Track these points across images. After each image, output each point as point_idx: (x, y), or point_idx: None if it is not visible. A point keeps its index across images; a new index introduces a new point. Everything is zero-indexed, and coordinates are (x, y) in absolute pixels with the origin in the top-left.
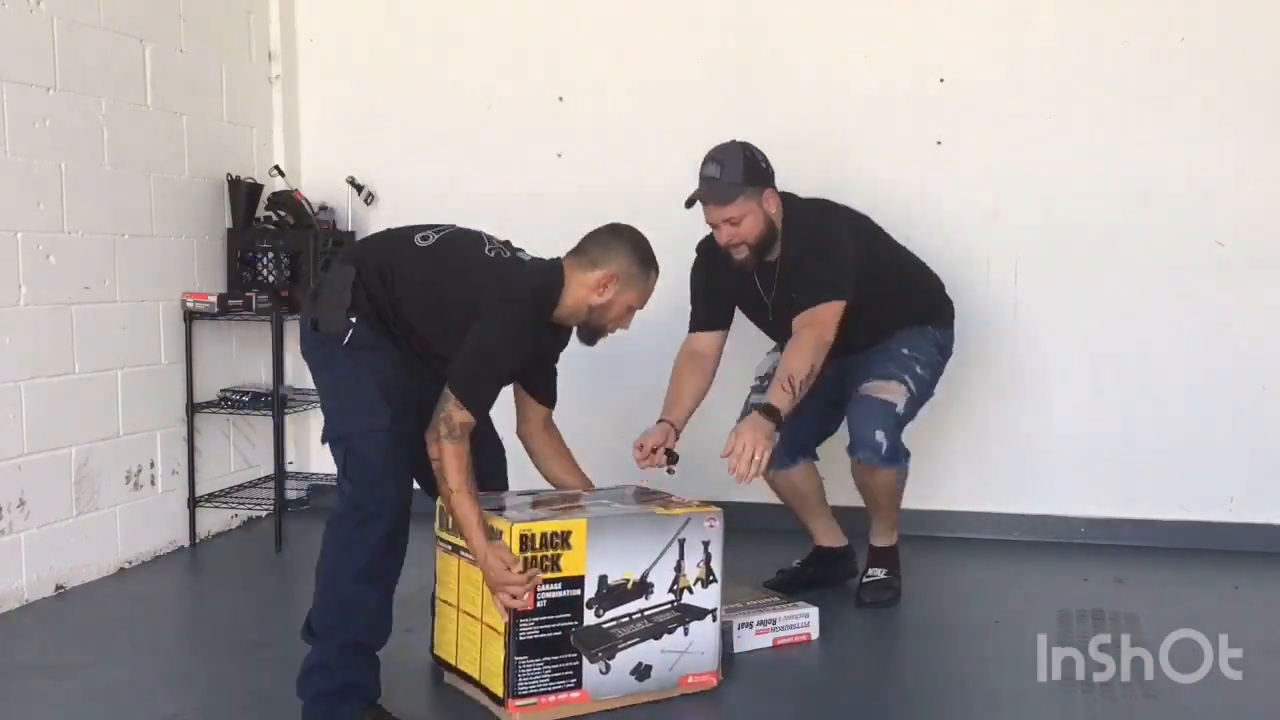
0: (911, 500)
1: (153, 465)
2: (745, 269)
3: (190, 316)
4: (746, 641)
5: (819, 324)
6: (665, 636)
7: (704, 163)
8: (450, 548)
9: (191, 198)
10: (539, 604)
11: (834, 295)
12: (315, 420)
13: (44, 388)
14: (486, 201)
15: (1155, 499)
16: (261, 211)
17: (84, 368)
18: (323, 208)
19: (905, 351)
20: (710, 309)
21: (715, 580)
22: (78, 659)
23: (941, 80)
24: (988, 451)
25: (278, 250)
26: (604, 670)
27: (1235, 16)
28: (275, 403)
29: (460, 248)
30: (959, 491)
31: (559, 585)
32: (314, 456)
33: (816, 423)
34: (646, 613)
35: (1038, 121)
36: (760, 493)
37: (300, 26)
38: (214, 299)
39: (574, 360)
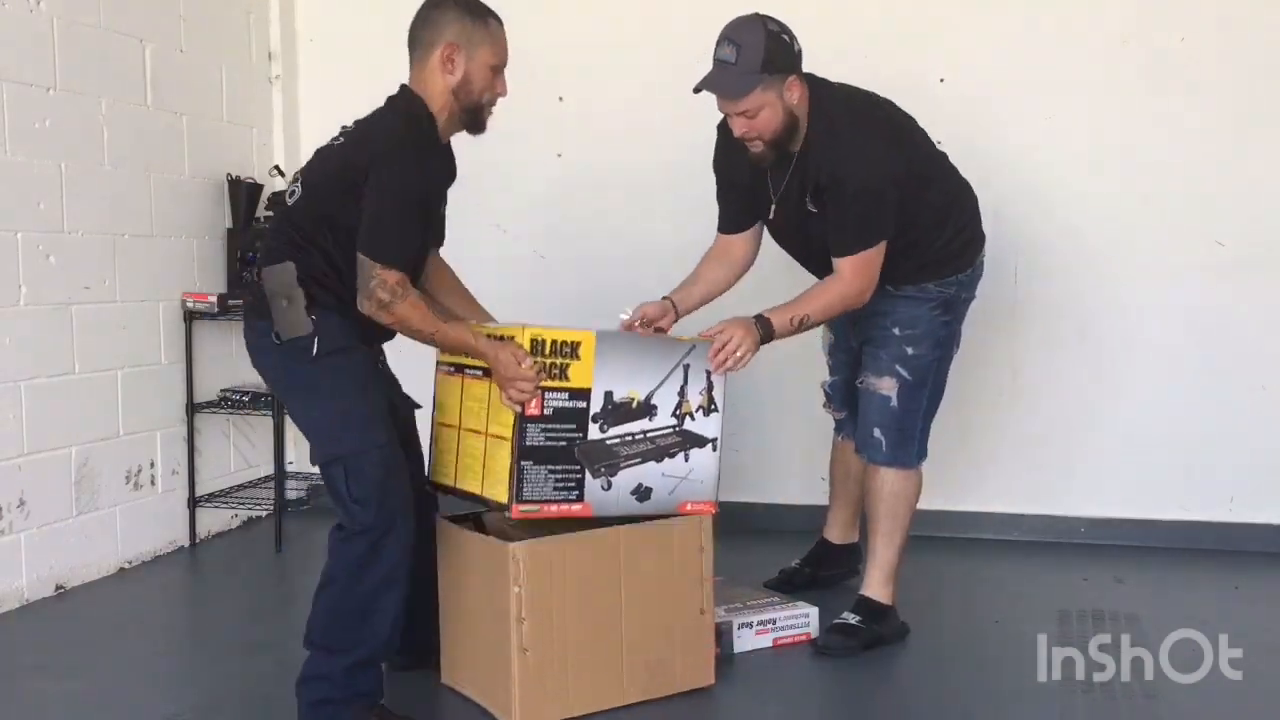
0: None
1: (153, 465)
2: (761, 164)
3: (190, 316)
4: (746, 641)
5: (857, 279)
6: (666, 460)
7: (719, 41)
8: (452, 369)
9: (191, 198)
10: (546, 411)
11: (871, 241)
12: None
13: (44, 388)
14: (487, 201)
15: (1155, 499)
16: (261, 211)
17: (84, 368)
18: None
19: (896, 332)
20: (731, 206)
21: (717, 410)
22: (78, 659)
23: (941, 80)
24: (988, 451)
25: None
26: (605, 487)
27: (1235, 16)
28: (275, 403)
29: (315, 166)
30: (959, 491)
31: (565, 395)
32: None
33: None
34: (649, 434)
35: (1038, 121)
36: (760, 493)
37: (300, 26)
38: (214, 299)
39: None
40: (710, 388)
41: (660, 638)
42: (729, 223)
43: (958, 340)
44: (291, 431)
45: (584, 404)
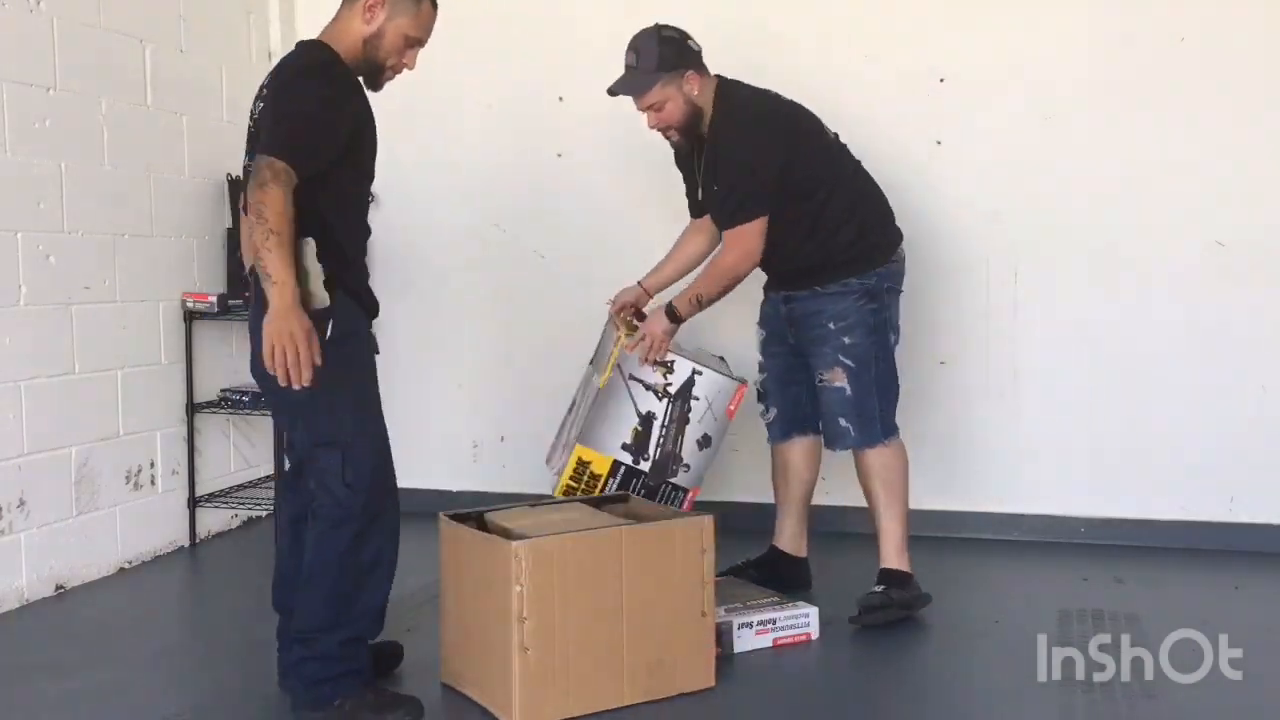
0: (912, 501)
1: (153, 465)
2: (680, 150)
3: (190, 316)
4: (747, 641)
5: (738, 250)
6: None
7: (626, 51)
8: None
9: (191, 198)
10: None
11: (748, 216)
12: None
13: (44, 388)
14: (486, 201)
15: (1155, 499)
16: None
17: (84, 368)
18: None
19: (831, 326)
20: (690, 194)
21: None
22: (78, 659)
23: (941, 80)
24: (988, 452)
25: None
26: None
27: (1235, 16)
28: None
29: (253, 135)
30: (959, 491)
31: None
32: None
33: (810, 398)
34: (668, 421)
35: (1038, 121)
36: (760, 493)
37: (300, 26)
38: (214, 299)
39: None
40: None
41: (661, 639)
42: (694, 208)
43: (893, 326)
44: None
45: (614, 480)
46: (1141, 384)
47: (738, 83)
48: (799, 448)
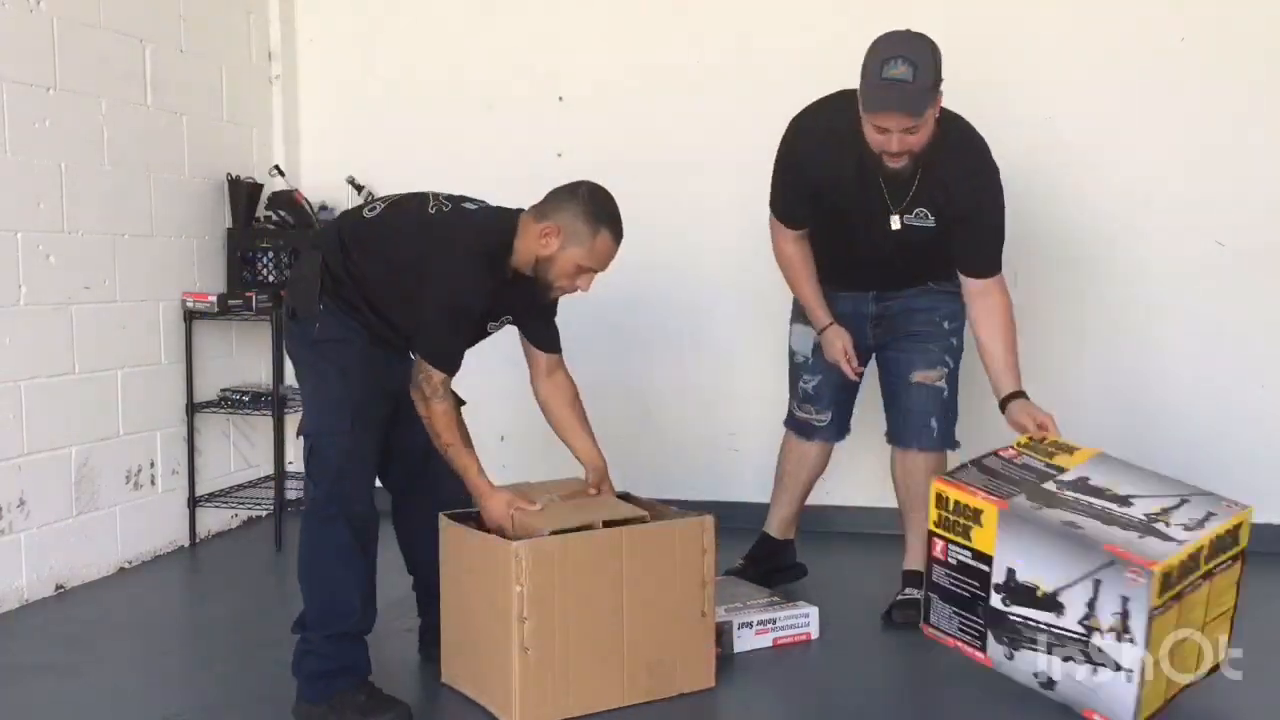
0: None
1: (153, 465)
2: (897, 176)
3: (190, 316)
4: (746, 641)
5: (1004, 295)
6: (1071, 663)
7: (887, 60)
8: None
9: (191, 198)
10: (950, 560)
11: (1000, 267)
12: None
13: (44, 388)
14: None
15: None
16: (261, 211)
17: (84, 368)
18: (323, 208)
19: (945, 325)
20: (804, 206)
21: (1133, 642)
22: (78, 659)
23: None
24: (988, 451)
25: (278, 250)
26: (1008, 656)
27: (1235, 16)
28: (275, 402)
29: (404, 211)
30: None
31: (969, 554)
32: None
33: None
34: (1054, 629)
35: (1038, 121)
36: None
37: (300, 26)
38: (214, 299)
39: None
40: (1126, 615)
41: (661, 639)
42: (799, 220)
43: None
44: (291, 431)
45: (986, 568)
46: (1141, 384)
47: (948, 110)
48: (819, 451)
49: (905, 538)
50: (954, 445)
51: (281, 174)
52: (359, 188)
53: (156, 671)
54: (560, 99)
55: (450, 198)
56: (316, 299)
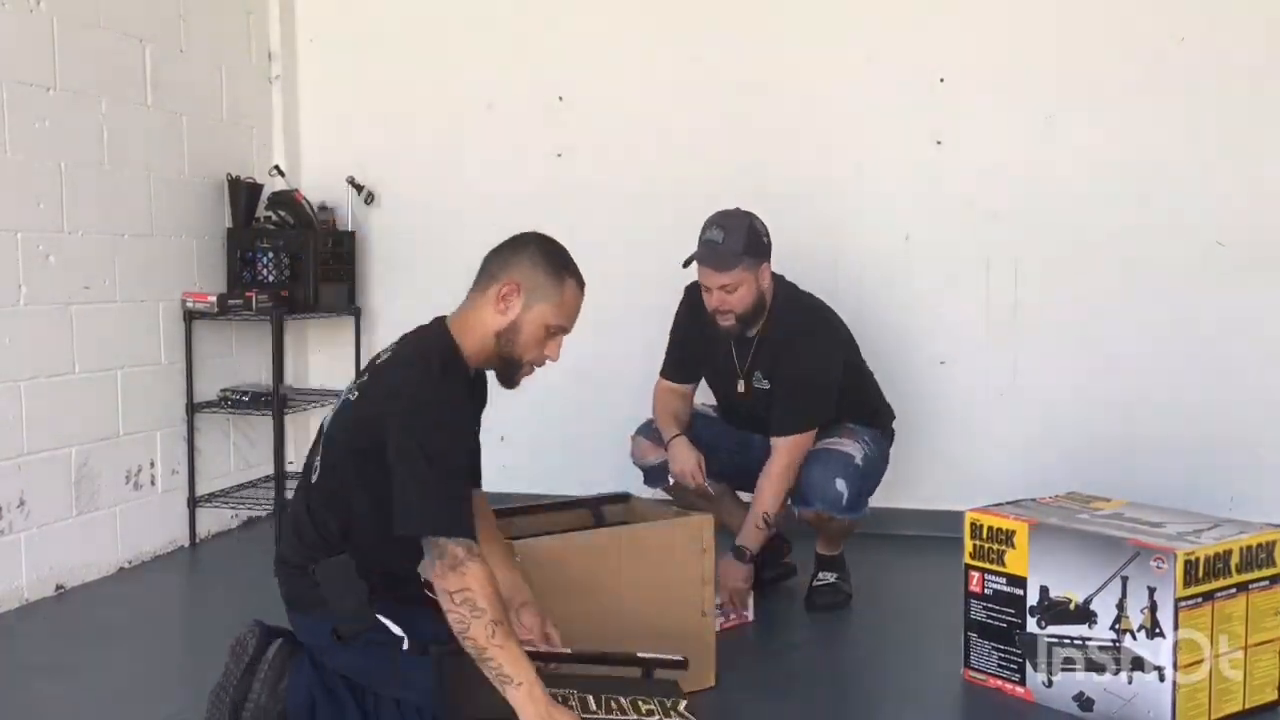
0: (913, 501)
1: (153, 465)
2: (730, 335)
3: (190, 316)
4: None
5: (795, 454)
6: (1107, 675)
7: (707, 225)
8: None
9: (191, 198)
10: (986, 591)
11: (812, 425)
12: (315, 419)
13: (44, 388)
14: (486, 201)
15: (1156, 499)
16: (261, 211)
17: (84, 368)
18: (323, 208)
19: (852, 426)
20: (686, 361)
21: (1162, 635)
22: (78, 659)
23: (941, 80)
24: (989, 451)
25: (278, 250)
26: (1046, 684)
27: (1235, 16)
28: (275, 402)
29: (333, 438)
30: (959, 492)
31: (1003, 580)
32: None
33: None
34: (1088, 642)
35: (1038, 121)
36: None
37: (300, 26)
38: (214, 299)
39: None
40: (1154, 608)
41: (661, 639)
42: (682, 373)
43: (881, 473)
44: (291, 431)
45: (1020, 591)
46: (1141, 384)
47: (796, 286)
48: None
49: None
50: (859, 511)
51: (281, 174)
52: (359, 188)
53: (156, 671)
54: (560, 99)
55: (370, 362)
56: (370, 608)
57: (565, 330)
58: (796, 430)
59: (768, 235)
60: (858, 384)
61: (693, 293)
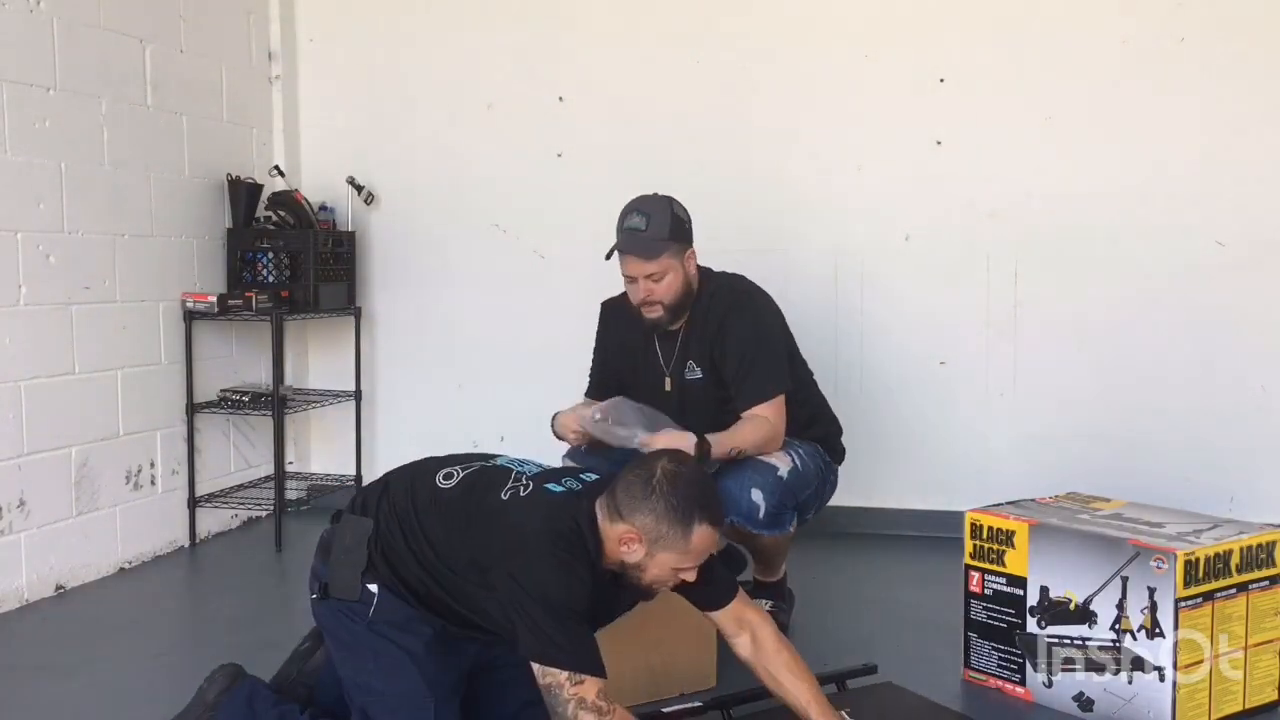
0: (913, 501)
1: (153, 465)
2: (659, 328)
3: (190, 316)
4: None
5: (774, 417)
6: (1107, 675)
7: (626, 213)
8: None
9: (191, 198)
10: (986, 591)
11: (779, 387)
12: (315, 419)
13: (44, 388)
14: (486, 202)
15: (1155, 499)
16: (261, 211)
17: (84, 368)
18: (323, 208)
19: (786, 439)
20: (608, 379)
21: (1162, 636)
22: (78, 659)
23: (941, 80)
24: (988, 451)
25: (278, 250)
26: (1046, 684)
27: (1235, 16)
28: (275, 403)
29: (480, 493)
30: (959, 491)
31: (1003, 580)
32: (314, 457)
33: None
34: (1088, 642)
35: (1038, 121)
36: None
37: (300, 26)
38: (214, 299)
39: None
40: (1154, 608)
41: (661, 639)
42: (604, 393)
43: (816, 491)
44: (291, 431)
45: (1020, 592)
46: (1141, 383)
47: (713, 269)
48: None
49: None
50: (781, 529)
51: (281, 174)
52: (359, 188)
53: (156, 671)
54: (560, 99)
55: (534, 475)
56: (361, 579)
57: (697, 563)
58: (762, 396)
59: (689, 219)
60: (793, 393)
61: (607, 309)
